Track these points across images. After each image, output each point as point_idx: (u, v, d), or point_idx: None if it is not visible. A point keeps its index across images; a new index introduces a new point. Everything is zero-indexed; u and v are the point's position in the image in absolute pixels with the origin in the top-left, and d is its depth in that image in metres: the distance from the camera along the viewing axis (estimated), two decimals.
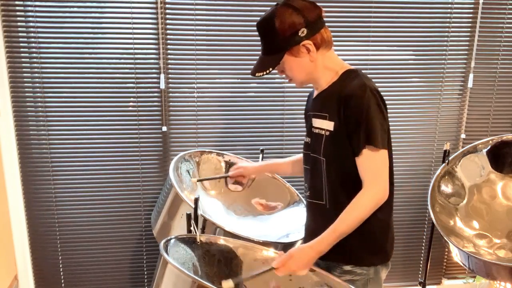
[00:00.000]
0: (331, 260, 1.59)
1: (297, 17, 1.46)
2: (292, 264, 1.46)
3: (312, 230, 1.69)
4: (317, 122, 1.59)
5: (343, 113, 1.47)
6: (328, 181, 1.57)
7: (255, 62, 2.41)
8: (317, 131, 1.58)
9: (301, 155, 1.92)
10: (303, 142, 2.52)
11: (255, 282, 1.57)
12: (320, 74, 1.56)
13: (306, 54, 1.50)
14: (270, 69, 1.53)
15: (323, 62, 1.54)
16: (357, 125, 1.45)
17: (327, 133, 1.53)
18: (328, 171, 1.56)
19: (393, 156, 1.58)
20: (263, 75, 1.54)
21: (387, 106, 1.54)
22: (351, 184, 1.51)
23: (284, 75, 1.61)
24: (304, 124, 2.51)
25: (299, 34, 1.46)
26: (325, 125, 1.54)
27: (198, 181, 2.14)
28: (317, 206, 1.62)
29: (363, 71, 1.57)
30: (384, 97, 1.53)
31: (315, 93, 1.64)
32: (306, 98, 2.52)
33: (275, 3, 1.52)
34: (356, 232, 1.48)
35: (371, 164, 1.47)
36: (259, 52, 2.39)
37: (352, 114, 1.45)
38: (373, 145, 1.44)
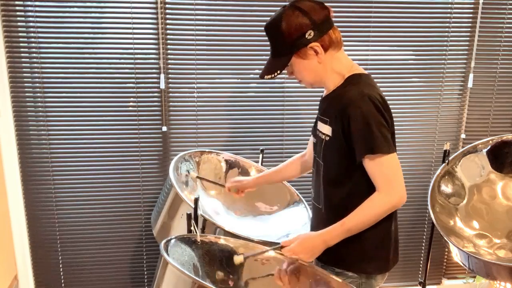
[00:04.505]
0: (323, 262, 1.60)
1: (304, 19, 1.42)
2: (297, 247, 1.48)
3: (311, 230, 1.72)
4: (320, 125, 1.58)
5: (341, 122, 1.45)
6: (324, 187, 1.57)
7: (255, 62, 2.45)
8: (319, 134, 1.58)
9: (292, 158, 1.97)
10: (303, 142, 2.55)
11: (255, 282, 1.57)
12: (328, 77, 1.53)
13: (314, 56, 1.47)
14: (278, 71, 1.50)
15: (331, 64, 1.51)
16: (357, 134, 1.42)
17: (327, 138, 1.52)
18: (325, 176, 1.56)
19: None
20: (271, 78, 1.52)
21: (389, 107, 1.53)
22: (346, 192, 1.51)
23: (293, 77, 1.58)
24: (304, 124, 2.53)
25: (306, 36, 1.43)
26: (325, 129, 1.53)
27: (197, 177, 2.14)
28: (316, 209, 1.65)
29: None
30: (384, 97, 1.53)
31: (324, 94, 1.62)
32: (308, 99, 2.54)
33: (282, 4, 1.51)
34: (347, 238, 1.47)
35: (379, 171, 1.43)
36: (260, 52, 2.43)
37: (350, 124, 1.42)
38: (375, 153, 1.41)
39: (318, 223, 1.62)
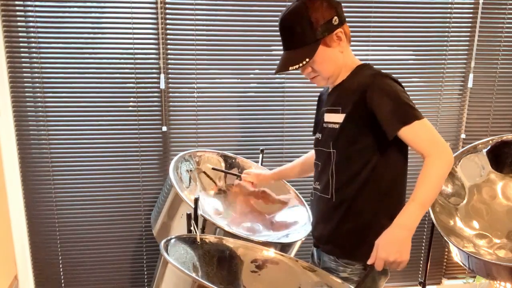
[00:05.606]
0: (329, 253, 1.61)
1: (328, 5, 1.48)
2: (382, 253, 1.36)
3: (316, 225, 1.71)
4: (328, 117, 1.58)
5: (360, 106, 1.45)
6: (336, 174, 1.56)
7: (255, 62, 2.45)
8: (329, 125, 1.57)
9: (305, 156, 1.98)
10: (303, 142, 2.55)
11: (255, 282, 1.57)
12: (341, 70, 1.56)
13: (337, 44, 1.50)
14: (307, 59, 1.48)
15: (344, 57, 1.53)
16: (385, 112, 1.41)
17: (337, 126, 1.53)
18: (337, 163, 1.55)
19: None
20: (297, 68, 1.50)
21: None
22: (360, 179, 1.51)
23: (307, 74, 1.57)
24: (304, 124, 2.53)
25: (333, 22, 1.47)
26: (337, 118, 1.53)
27: (213, 169, 2.15)
28: (323, 200, 1.62)
29: None
30: None
31: (330, 89, 1.63)
32: (308, 99, 2.54)
33: (282, 4, 1.50)
34: (357, 227, 1.49)
35: (419, 137, 1.40)
36: (260, 52, 2.43)
37: (373, 106, 1.42)
38: (410, 123, 1.39)
39: (328, 212, 1.61)
